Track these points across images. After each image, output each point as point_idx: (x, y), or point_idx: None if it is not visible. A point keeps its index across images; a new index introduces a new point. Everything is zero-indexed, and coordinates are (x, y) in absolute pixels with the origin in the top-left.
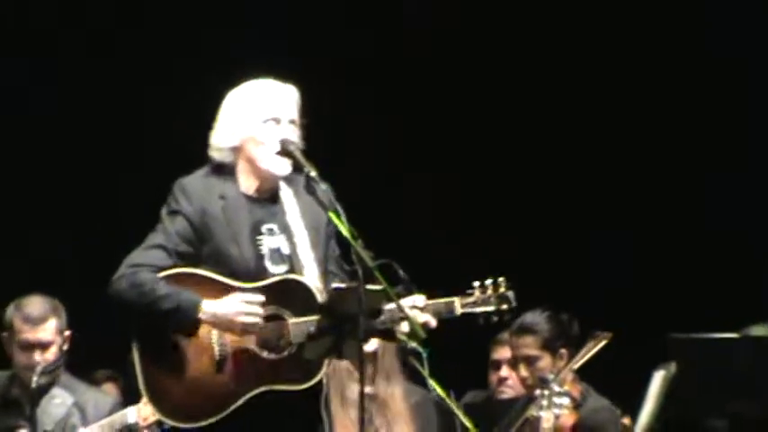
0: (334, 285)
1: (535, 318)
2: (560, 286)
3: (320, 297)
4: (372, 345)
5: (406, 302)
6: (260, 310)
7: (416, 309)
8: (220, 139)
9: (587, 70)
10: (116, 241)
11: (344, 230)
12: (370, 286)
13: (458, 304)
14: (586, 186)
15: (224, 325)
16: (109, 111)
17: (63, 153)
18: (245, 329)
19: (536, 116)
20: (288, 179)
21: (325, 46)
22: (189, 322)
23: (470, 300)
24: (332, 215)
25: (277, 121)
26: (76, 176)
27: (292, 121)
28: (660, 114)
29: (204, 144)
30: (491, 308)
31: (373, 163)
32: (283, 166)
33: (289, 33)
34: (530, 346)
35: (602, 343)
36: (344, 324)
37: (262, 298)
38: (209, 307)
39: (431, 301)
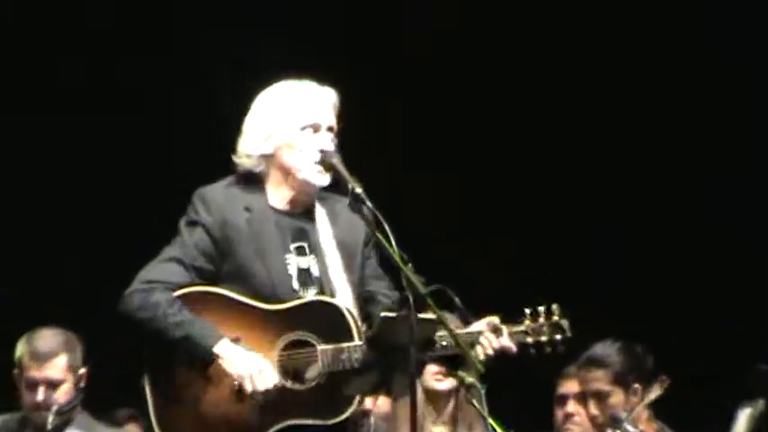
0: (383, 314)
1: (606, 349)
2: (560, 286)
3: (353, 322)
4: (446, 384)
5: (479, 326)
6: (273, 382)
7: (488, 334)
8: (251, 146)
9: (587, 70)
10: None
11: (393, 254)
12: (422, 315)
13: (506, 333)
14: (586, 186)
15: (232, 377)
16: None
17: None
18: (247, 393)
19: (535, 116)
20: (321, 196)
21: (325, 45)
22: (201, 358)
23: (520, 328)
24: (380, 237)
25: (316, 128)
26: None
27: (331, 129)
28: (660, 114)
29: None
30: (543, 337)
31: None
32: (322, 178)
33: (288, 32)
34: (600, 380)
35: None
36: (394, 356)
37: (291, 336)
38: (225, 350)
39: (473, 329)
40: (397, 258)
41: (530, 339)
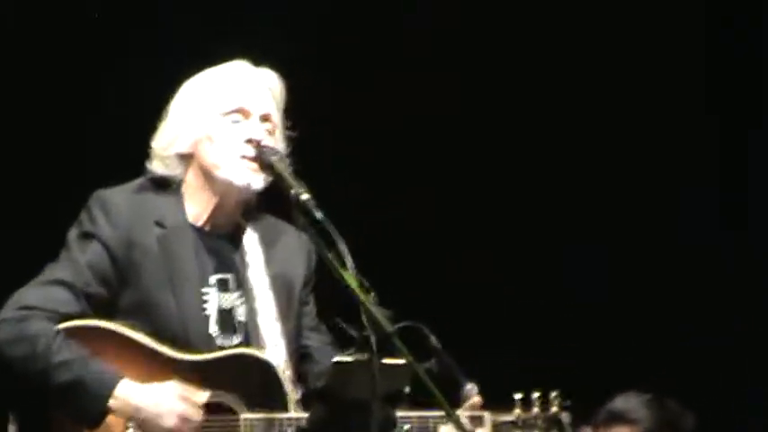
0: (336, 359)
1: (630, 402)
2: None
3: (288, 386)
4: None
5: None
6: (199, 414)
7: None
8: (165, 143)
9: (560, 86)
10: None
11: (350, 281)
12: (387, 360)
13: (488, 421)
14: (561, 200)
15: (146, 423)
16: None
17: None
18: None
19: (508, 130)
20: (254, 218)
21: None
22: (94, 408)
23: (508, 418)
24: (330, 260)
25: (244, 113)
26: None
27: (266, 118)
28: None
29: None
30: None
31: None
32: (251, 178)
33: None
34: None
35: None
36: (350, 415)
37: (204, 397)
38: (129, 391)
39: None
40: (355, 286)
41: None
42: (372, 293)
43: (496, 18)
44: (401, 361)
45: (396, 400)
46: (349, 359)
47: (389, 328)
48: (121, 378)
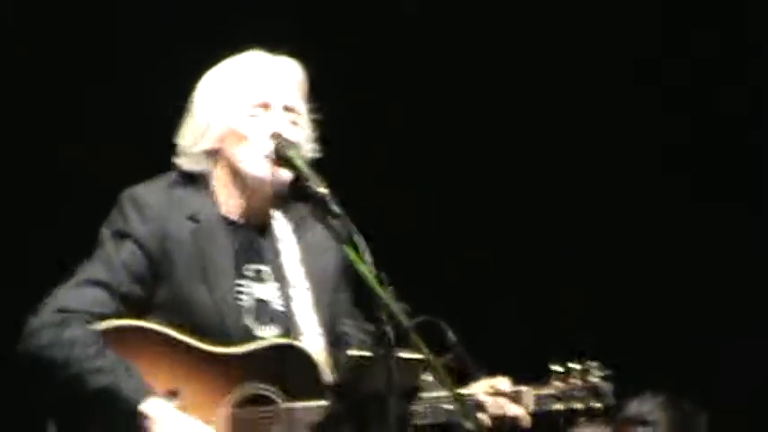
0: (350, 352)
1: (645, 406)
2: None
3: (327, 373)
4: None
5: (480, 387)
6: None
7: (498, 396)
8: (190, 140)
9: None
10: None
11: (367, 274)
12: (404, 354)
13: (528, 396)
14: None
15: None
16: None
17: None
18: None
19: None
20: (286, 207)
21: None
22: (122, 417)
23: (547, 391)
24: (349, 251)
25: (266, 106)
26: None
27: (289, 109)
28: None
29: None
30: (578, 405)
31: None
32: (276, 173)
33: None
34: None
35: None
36: (366, 410)
37: None
38: (156, 411)
39: (479, 388)
40: (372, 280)
41: (559, 406)
42: (390, 288)
43: (496, 18)
44: (418, 355)
45: (412, 395)
46: (365, 353)
47: (407, 322)
48: (150, 394)
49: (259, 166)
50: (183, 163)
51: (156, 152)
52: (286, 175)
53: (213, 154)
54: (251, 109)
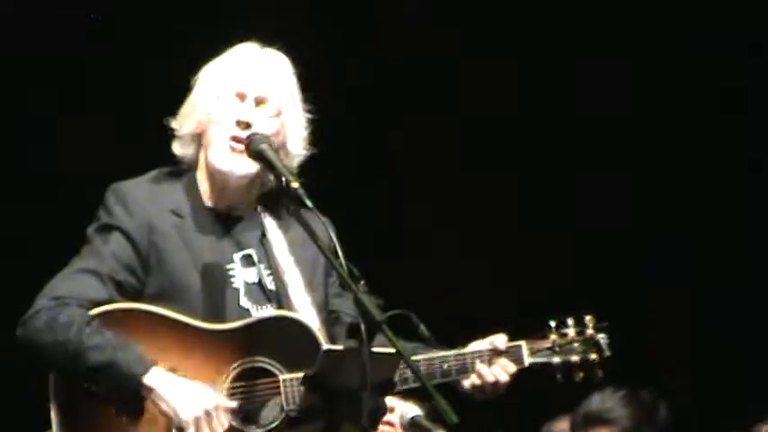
0: (325, 347)
1: (606, 401)
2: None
3: (325, 343)
4: None
5: (478, 344)
6: (225, 424)
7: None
8: (178, 123)
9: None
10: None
11: (340, 269)
12: (378, 348)
13: (525, 350)
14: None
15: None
16: None
17: None
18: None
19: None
20: (269, 204)
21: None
22: (126, 391)
23: (544, 345)
24: (322, 247)
25: (240, 96)
26: None
27: (261, 101)
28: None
29: None
30: (574, 357)
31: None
32: (235, 162)
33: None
34: None
35: None
36: (340, 403)
37: (233, 406)
38: (160, 381)
39: (479, 346)
40: (345, 274)
41: (557, 359)
42: (362, 281)
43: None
44: (391, 350)
45: (386, 389)
46: (339, 347)
47: (379, 316)
48: (152, 365)
49: (219, 155)
50: (175, 146)
51: (156, 152)
52: (244, 168)
53: (197, 138)
54: (227, 97)
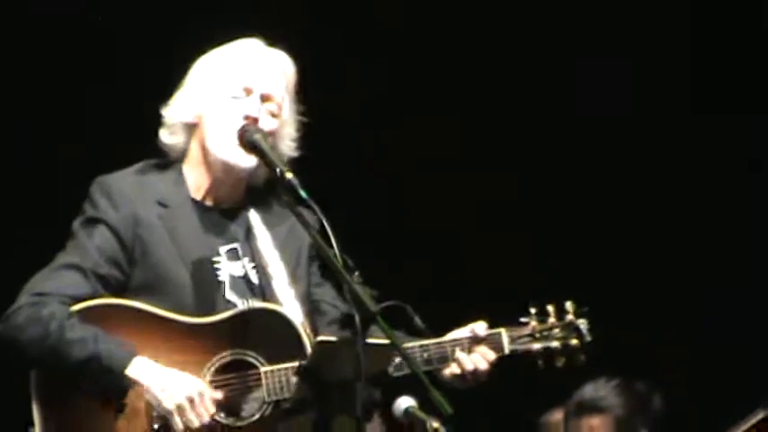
0: (319, 338)
1: (600, 390)
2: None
3: (306, 336)
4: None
5: (458, 332)
6: (210, 410)
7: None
8: (173, 111)
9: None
10: None
11: (334, 260)
12: (372, 339)
13: (505, 337)
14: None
15: (155, 401)
16: None
17: None
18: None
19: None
20: (258, 198)
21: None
22: (110, 384)
23: (524, 332)
24: (316, 238)
25: (246, 91)
26: None
27: (267, 98)
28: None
29: None
30: (555, 343)
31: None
32: (241, 157)
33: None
34: (598, 429)
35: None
36: (334, 394)
37: (218, 396)
38: (143, 371)
39: (459, 334)
40: (340, 266)
41: (537, 346)
42: (357, 272)
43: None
44: (385, 341)
45: (380, 380)
46: (333, 338)
47: (374, 307)
48: (134, 356)
49: (224, 148)
50: (163, 135)
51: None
52: (248, 162)
53: (190, 128)
54: (234, 91)
